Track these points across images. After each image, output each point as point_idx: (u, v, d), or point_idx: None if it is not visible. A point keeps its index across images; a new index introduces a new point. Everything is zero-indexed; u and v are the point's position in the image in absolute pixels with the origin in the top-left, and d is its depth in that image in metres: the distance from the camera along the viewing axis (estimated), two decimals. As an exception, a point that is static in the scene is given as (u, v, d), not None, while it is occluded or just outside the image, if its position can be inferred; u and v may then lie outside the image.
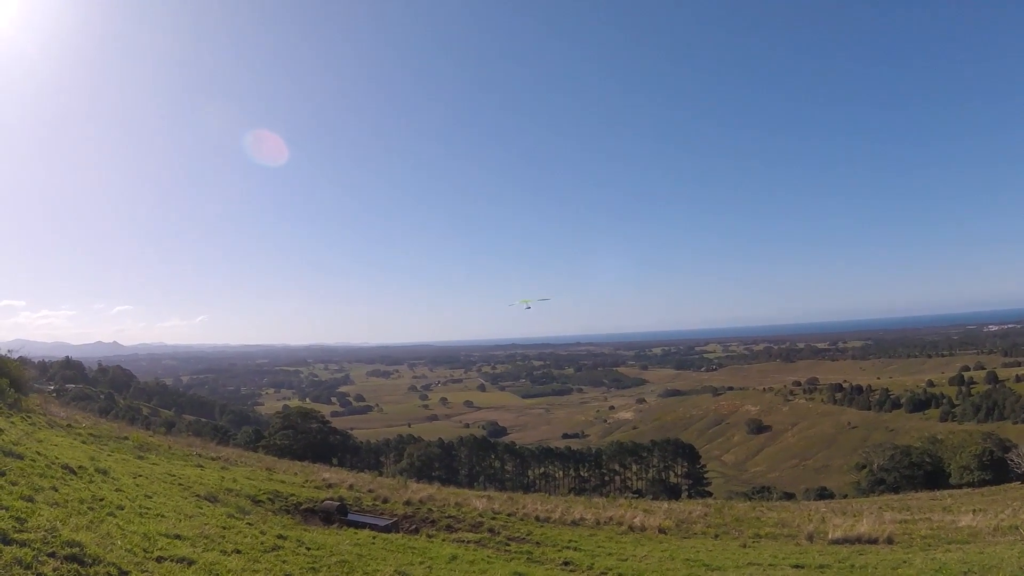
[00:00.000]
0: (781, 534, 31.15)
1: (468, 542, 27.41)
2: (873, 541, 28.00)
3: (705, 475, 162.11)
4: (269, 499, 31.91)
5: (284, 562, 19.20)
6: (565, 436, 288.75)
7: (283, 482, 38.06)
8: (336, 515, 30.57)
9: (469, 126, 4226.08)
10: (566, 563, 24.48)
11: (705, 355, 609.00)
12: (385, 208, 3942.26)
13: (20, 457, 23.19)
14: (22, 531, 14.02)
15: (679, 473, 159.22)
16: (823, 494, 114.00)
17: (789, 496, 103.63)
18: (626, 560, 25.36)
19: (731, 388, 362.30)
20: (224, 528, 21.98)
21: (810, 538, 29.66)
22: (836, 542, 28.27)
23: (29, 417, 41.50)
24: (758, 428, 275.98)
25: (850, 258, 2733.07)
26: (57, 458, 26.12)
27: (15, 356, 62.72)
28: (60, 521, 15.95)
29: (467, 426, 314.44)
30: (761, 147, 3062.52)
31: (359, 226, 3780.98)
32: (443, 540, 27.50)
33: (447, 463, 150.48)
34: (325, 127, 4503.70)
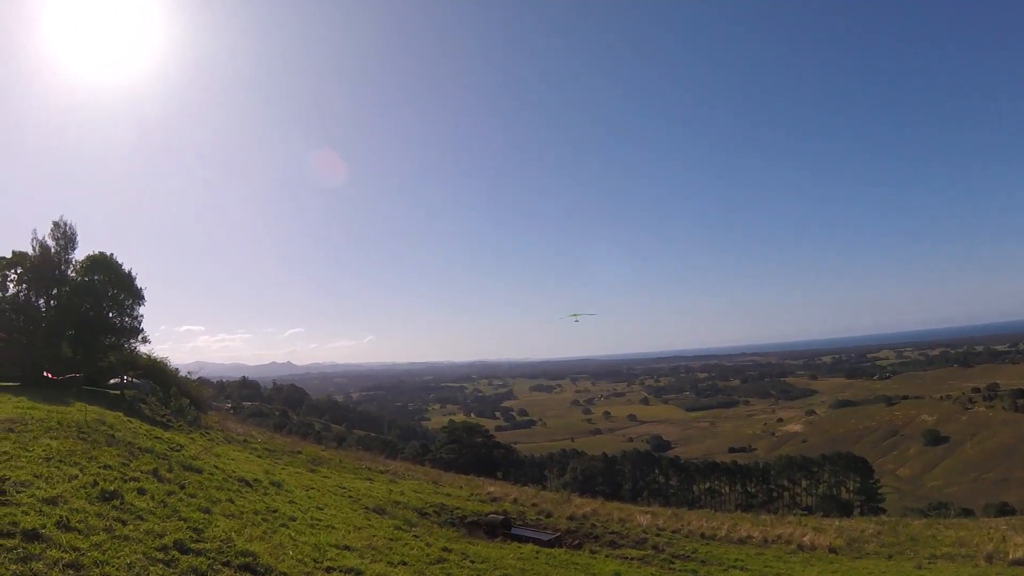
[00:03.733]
0: (959, 554, 29.15)
1: (631, 559, 26.98)
2: (1057, 561, 25.97)
3: (879, 490, 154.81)
4: (435, 512, 32.41)
5: (449, 575, 19.37)
6: (731, 450, 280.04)
7: (449, 495, 38.55)
8: (500, 529, 30.70)
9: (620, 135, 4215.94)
10: (732, 582, 23.83)
11: (877, 362, 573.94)
12: (544, 227, 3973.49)
13: (199, 471, 24.33)
14: (199, 541, 14.61)
15: (851, 489, 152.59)
16: (1003, 510, 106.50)
17: (967, 512, 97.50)
18: (794, 582, 24.47)
19: (905, 397, 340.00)
20: (391, 540, 22.42)
21: (989, 559, 27.68)
22: (1017, 563, 26.35)
23: (208, 433, 43.73)
24: (935, 439, 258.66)
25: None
26: (233, 471, 27.29)
27: (195, 377, 66.47)
28: (235, 532, 16.61)
29: (630, 440, 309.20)
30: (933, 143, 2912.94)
31: (518, 245, 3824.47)
32: (606, 556, 27.17)
33: (610, 477, 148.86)
34: (474, 147, 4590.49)
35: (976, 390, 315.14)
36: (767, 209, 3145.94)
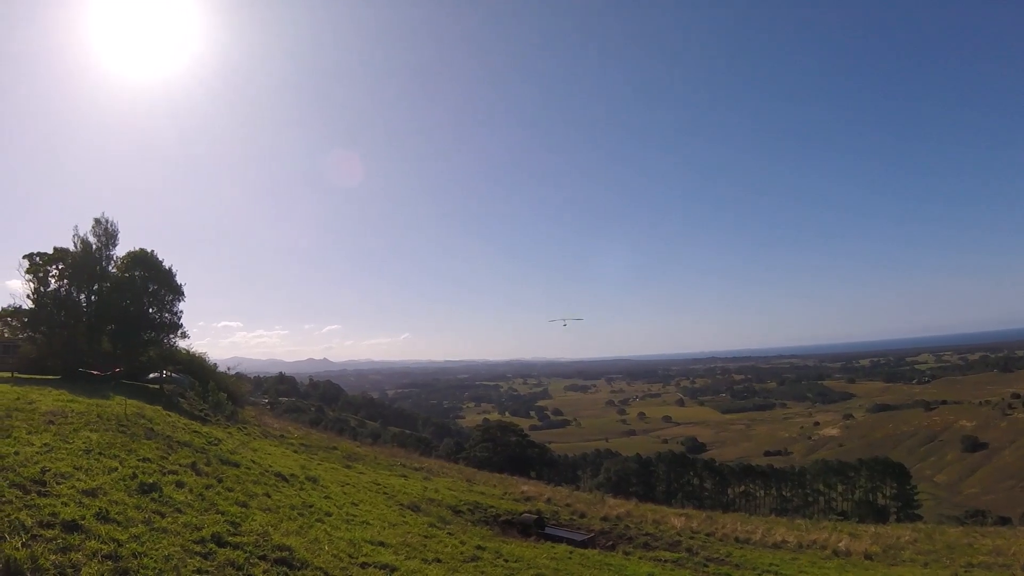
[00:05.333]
0: (995, 563, 28.67)
1: (665, 561, 26.79)
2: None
3: (915, 497, 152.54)
4: (469, 510, 32.43)
5: (483, 573, 19.36)
6: (767, 453, 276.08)
7: (482, 493, 38.58)
8: (534, 528, 30.66)
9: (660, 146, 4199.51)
10: (766, 587, 23.61)
11: (916, 366, 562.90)
12: (578, 227, 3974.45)
13: (236, 465, 24.53)
14: (236, 534, 14.74)
15: (887, 494, 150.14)
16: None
17: (1005, 521, 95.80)
18: (829, 587, 24.19)
19: (944, 402, 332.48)
20: (425, 537, 22.46)
21: (1026, 569, 27.27)
22: (1055, 573, 25.92)
23: (245, 428, 44.16)
24: (973, 445, 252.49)
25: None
26: (270, 466, 27.50)
27: (232, 372, 67.10)
28: (271, 526, 16.74)
29: (665, 441, 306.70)
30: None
31: (552, 248, 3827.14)
32: (639, 558, 26.99)
33: (644, 479, 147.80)
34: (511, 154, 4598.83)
35: (1016, 396, 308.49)
36: (808, 212, 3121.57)
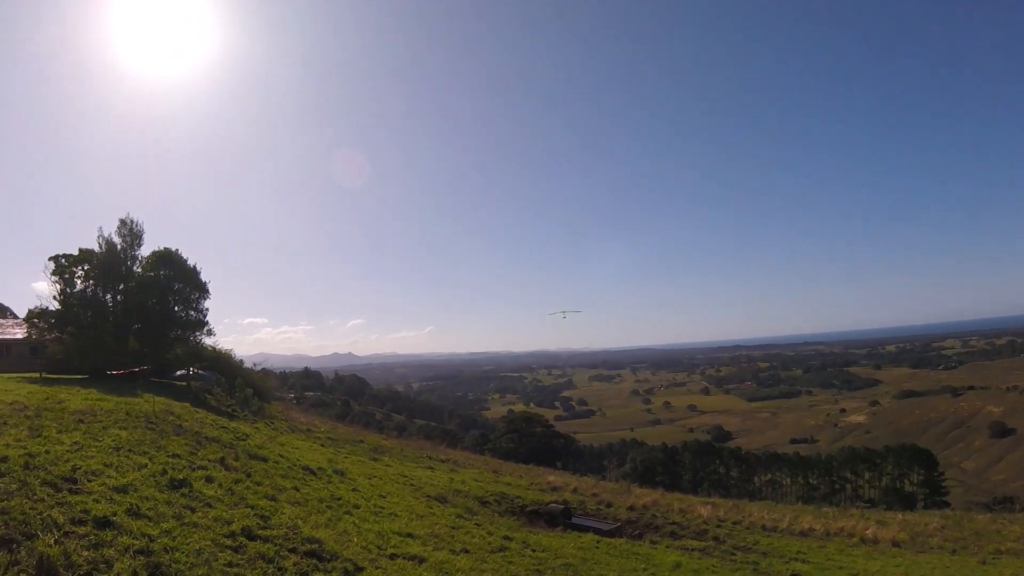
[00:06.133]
0: (1023, 550, 28.51)
1: (692, 550, 26.74)
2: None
3: (943, 484, 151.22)
4: (495, 500, 32.50)
5: (510, 563, 19.38)
6: (793, 441, 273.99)
7: (509, 484, 38.67)
8: (560, 518, 30.67)
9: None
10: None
11: (943, 352, 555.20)
12: (600, 216, 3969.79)
13: (264, 459, 24.73)
14: (266, 528, 14.88)
15: (915, 481, 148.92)
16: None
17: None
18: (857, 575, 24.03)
19: (971, 388, 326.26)
20: (453, 528, 22.55)
21: (1055, 555, 27.02)
22: (1083, 559, 25.65)
23: (272, 422, 44.49)
24: (1001, 432, 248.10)
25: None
26: (298, 460, 27.69)
27: (258, 368, 67.48)
28: (301, 519, 16.90)
29: (690, 431, 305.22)
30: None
31: (576, 234, 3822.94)
32: (667, 547, 26.96)
33: (670, 468, 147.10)
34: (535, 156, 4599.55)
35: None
36: (833, 196, 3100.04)
